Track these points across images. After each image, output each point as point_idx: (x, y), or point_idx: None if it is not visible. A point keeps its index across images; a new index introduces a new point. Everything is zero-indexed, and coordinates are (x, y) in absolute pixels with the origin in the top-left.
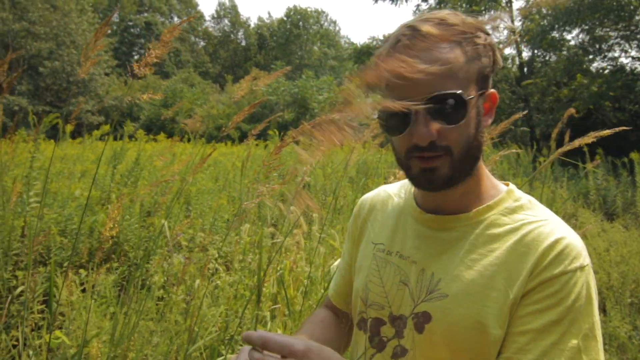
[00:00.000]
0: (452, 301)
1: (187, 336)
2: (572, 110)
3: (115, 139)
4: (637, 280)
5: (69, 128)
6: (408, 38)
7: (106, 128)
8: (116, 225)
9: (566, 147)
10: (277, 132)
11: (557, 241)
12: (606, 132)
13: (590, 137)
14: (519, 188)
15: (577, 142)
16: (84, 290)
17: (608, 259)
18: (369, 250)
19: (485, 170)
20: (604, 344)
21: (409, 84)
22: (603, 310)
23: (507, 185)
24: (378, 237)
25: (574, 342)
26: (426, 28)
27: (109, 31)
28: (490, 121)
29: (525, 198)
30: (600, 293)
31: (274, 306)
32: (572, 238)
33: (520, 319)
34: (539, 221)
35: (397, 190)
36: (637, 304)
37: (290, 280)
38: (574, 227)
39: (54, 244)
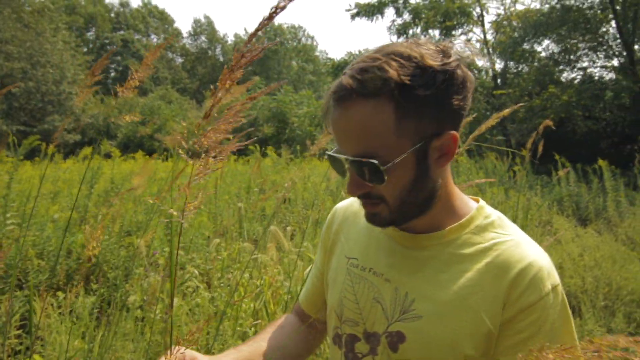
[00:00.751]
0: (427, 322)
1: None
2: (549, 122)
3: (98, 156)
4: (610, 283)
5: (51, 149)
6: (337, 92)
7: (87, 151)
8: (99, 244)
9: (477, 133)
10: (257, 147)
11: (529, 265)
12: (506, 111)
13: (493, 119)
14: (496, 197)
15: (483, 127)
16: (61, 314)
17: (582, 264)
18: (343, 264)
19: (454, 190)
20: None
21: (340, 138)
22: (579, 314)
23: (477, 201)
24: (352, 251)
25: None
26: (352, 83)
27: (85, 49)
28: (446, 161)
29: (494, 215)
30: (575, 297)
31: (255, 322)
32: (541, 259)
33: (509, 349)
34: (509, 241)
35: None
36: (610, 306)
37: (270, 295)
38: (549, 233)
39: (31, 267)
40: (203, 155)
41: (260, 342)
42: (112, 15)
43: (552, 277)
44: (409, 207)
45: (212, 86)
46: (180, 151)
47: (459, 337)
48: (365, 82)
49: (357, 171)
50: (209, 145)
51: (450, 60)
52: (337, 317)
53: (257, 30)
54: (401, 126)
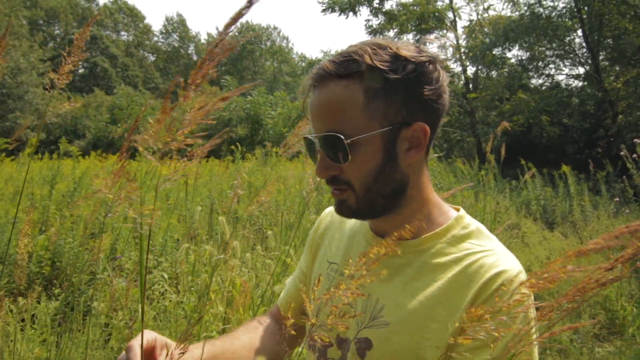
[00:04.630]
0: (393, 330)
1: None
2: (505, 124)
3: (58, 157)
4: (575, 285)
5: (28, 151)
6: (313, 76)
7: (16, 144)
8: (30, 242)
9: None
10: (239, 148)
11: (498, 274)
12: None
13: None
14: (467, 200)
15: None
16: (23, 320)
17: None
18: (324, 268)
19: (432, 198)
20: (546, 349)
21: (313, 120)
22: None
23: (458, 210)
24: (333, 256)
25: None
26: (327, 65)
27: (51, 44)
28: (417, 154)
29: (473, 225)
30: (542, 299)
31: (224, 326)
32: (513, 271)
33: (461, 355)
34: (483, 251)
35: None
36: (576, 308)
37: (240, 299)
38: (517, 236)
39: None
40: (171, 157)
41: (233, 340)
42: (80, 11)
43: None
44: (376, 197)
45: (181, 80)
46: (145, 153)
47: (424, 348)
48: (340, 64)
49: (325, 149)
50: (178, 147)
51: (423, 55)
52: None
53: (234, 20)
54: (370, 107)
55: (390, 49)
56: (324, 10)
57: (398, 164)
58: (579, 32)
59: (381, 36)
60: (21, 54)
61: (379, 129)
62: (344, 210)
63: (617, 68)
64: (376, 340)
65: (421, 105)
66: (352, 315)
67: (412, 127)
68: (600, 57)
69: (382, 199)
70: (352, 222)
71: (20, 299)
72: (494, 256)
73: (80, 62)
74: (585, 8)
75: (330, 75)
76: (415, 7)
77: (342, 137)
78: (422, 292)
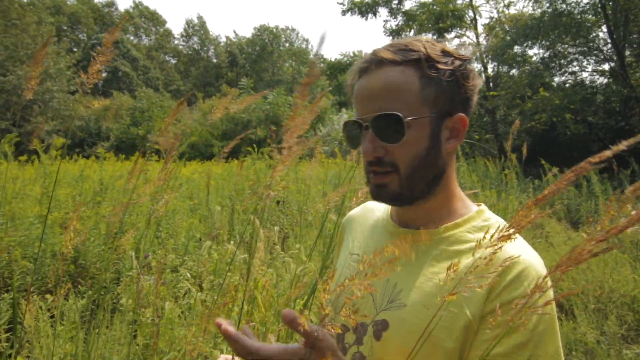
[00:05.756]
0: (409, 311)
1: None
2: (517, 124)
3: (86, 158)
4: (602, 286)
5: (37, 145)
6: (367, 62)
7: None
8: (76, 236)
9: None
10: (255, 148)
11: (516, 262)
12: None
13: None
14: (489, 199)
15: None
16: (52, 317)
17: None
18: (347, 260)
19: (457, 192)
20: (572, 349)
21: (364, 102)
22: (572, 316)
23: (480, 205)
24: (354, 248)
25: None
26: (383, 53)
27: (75, 49)
28: (455, 144)
29: (494, 219)
30: (568, 300)
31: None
32: (532, 260)
33: (485, 343)
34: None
35: (379, 204)
36: (603, 309)
37: (260, 299)
38: (541, 236)
39: (17, 269)
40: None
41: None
42: (102, 15)
43: (541, 278)
44: (418, 182)
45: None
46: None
47: (438, 329)
48: (396, 52)
49: (377, 129)
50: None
51: (464, 55)
52: (332, 309)
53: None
54: (423, 93)
55: (439, 44)
56: (344, 12)
57: (441, 151)
58: (604, 28)
59: (402, 37)
60: (52, 61)
61: (428, 113)
62: (382, 194)
63: None
64: (392, 321)
65: (463, 98)
66: (355, 310)
67: (454, 117)
68: (626, 54)
69: (423, 184)
70: (374, 216)
71: (48, 296)
72: (515, 246)
73: (105, 65)
74: (610, 3)
75: (386, 61)
76: (434, 7)
77: (401, 115)
78: (438, 276)
